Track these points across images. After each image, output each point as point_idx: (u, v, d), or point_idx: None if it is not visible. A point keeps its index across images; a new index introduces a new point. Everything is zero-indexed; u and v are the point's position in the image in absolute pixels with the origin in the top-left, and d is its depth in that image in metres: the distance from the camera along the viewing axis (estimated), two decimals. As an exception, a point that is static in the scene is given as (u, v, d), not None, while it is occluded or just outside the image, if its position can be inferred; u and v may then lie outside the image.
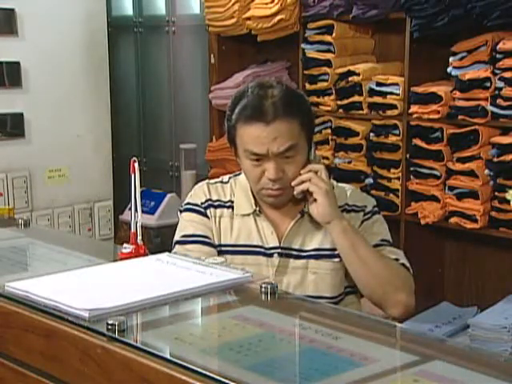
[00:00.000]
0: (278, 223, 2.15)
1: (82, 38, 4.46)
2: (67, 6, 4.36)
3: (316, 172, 2.05)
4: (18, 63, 4.19)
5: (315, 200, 2.04)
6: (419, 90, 3.33)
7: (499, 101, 3.09)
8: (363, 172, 3.58)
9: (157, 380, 1.17)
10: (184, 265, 1.65)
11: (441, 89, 3.27)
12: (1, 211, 2.29)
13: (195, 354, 1.24)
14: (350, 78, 3.57)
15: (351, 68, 3.57)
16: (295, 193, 2.06)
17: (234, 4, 3.84)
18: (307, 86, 3.72)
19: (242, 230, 2.14)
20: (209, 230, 2.15)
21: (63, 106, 4.39)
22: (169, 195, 4.37)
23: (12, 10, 4.16)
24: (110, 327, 1.28)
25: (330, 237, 2.09)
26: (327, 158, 3.64)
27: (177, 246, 2.15)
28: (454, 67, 3.23)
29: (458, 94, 3.21)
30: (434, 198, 3.33)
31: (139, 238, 1.77)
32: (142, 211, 1.88)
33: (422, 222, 3.35)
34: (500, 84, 3.09)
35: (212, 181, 2.24)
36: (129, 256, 1.74)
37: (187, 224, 2.17)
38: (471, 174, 3.20)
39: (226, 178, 2.24)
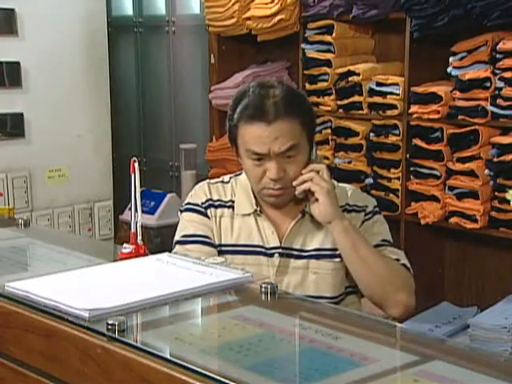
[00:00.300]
0: (278, 223, 2.15)
1: (82, 38, 4.46)
2: (67, 6, 4.36)
3: (318, 172, 2.05)
4: (18, 63, 4.19)
5: (317, 200, 2.04)
6: (419, 90, 3.33)
7: (499, 101, 3.09)
8: (363, 172, 3.58)
9: (157, 380, 1.17)
10: (184, 265, 1.65)
11: (441, 89, 3.27)
12: (1, 211, 2.29)
13: (195, 354, 1.24)
14: (349, 78, 3.57)
15: (351, 68, 3.57)
16: (297, 192, 2.06)
17: (233, 4, 3.84)
18: (307, 86, 3.72)
19: (242, 230, 2.14)
20: (209, 230, 2.15)
21: (63, 106, 4.39)
22: (169, 195, 4.37)
23: (12, 10, 4.16)
24: (110, 327, 1.28)
25: (331, 237, 2.09)
26: (327, 158, 3.64)
27: (177, 246, 2.15)
28: (454, 67, 3.23)
29: (457, 94, 3.21)
30: (434, 198, 3.33)
31: (139, 237, 1.77)
32: (142, 211, 1.88)
33: (422, 221, 3.35)
34: (500, 84, 3.09)
35: (213, 181, 2.24)
36: (129, 256, 1.74)
37: (188, 224, 2.17)
38: (471, 173, 3.20)
39: (226, 177, 2.24)
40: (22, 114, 4.24)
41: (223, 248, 2.14)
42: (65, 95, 4.40)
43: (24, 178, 4.28)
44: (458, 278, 3.64)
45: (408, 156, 3.40)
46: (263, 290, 1.48)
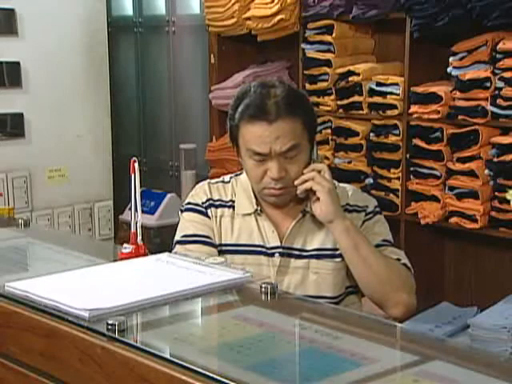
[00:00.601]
0: (279, 223, 2.15)
1: (82, 38, 4.46)
2: (67, 6, 4.36)
3: (319, 171, 2.05)
4: (18, 63, 4.19)
5: (318, 199, 2.04)
6: (419, 89, 3.33)
7: (499, 101, 3.09)
8: (363, 172, 3.58)
9: (157, 380, 1.17)
10: (184, 265, 1.65)
11: (441, 89, 3.27)
12: (1, 211, 2.29)
13: (195, 354, 1.24)
14: (350, 78, 3.57)
15: (351, 68, 3.57)
16: (298, 192, 2.06)
17: (233, 4, 3.84)
18: (307, 86, 3.71)
19: (242, 230, 2.14)
20: (210, 230, 2.15)
21: (63, 106, 4.39)
22: (169, 195, 4.37)
23: (12, 10, 4.16)
24: (110, 327, 1.28)
25: (332, 236, 2.09)
26: (327, 158, 3.64)
27: (177, 246, 2.15)
28: (454, 67, 3.23)
29: (458, 94, 3.21)
30: (434, 198, 3.33)
31: (139, 238, 1.77)
32: (142, 211, 1.88)
33: (422, 222, 3.35)
34: (500, 84, 3.09)
35: (213, 180, 2.24)
36: (129, 256, 1.74)
37: (188, 224, 2.17)
38: (471, 174, 3.20)
39: (227, 177, 2.24)
40: (21, 114, 4.24)
41: (223, 248, 2.14)
42: (65, 95, 4.40)
43: (24, 178, 4.28)
44: (458, 278, 3.64)
45: (408, 156, 3.40)
46: (263, 289, 1.48)
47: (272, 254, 2.12)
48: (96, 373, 1.27)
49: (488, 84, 3.12)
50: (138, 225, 1.78)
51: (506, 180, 3.11)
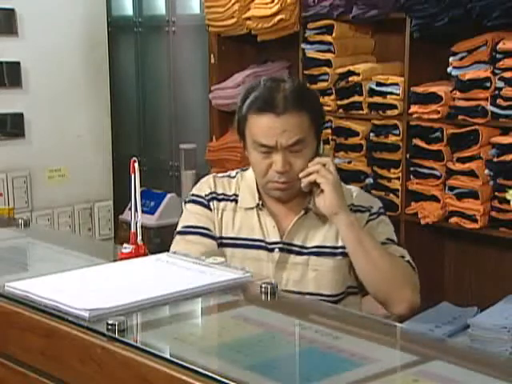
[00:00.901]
0: (281, 218, 2.15)
1: (82, 38, 4.45)
2: (67, 6, 4.36)
3: (324, 164, 2.06)
4: (18, 63, 4.19)
5: (322, 192, 2.04)
6: (419, 89, 3.33)
7: (499, 101, 3.09)
8: (363, 172, 3.58)
9: (157, 380, 1.17)
10: (184, 265, 1.65)
11: (441, 89, 3.27)
12: (1, 211, 2.29)
13: (195, 354, 1.24)
14: (350, 78, 3.57)
15: (351, 68, 3.57)
16: (302, 185, 2.07)
17: (233, 4, 3.84)
18: (307, 86, 3.71)
19: (244, 224, 2.16)
20: (211, 223, 2.16)
21: (63, 106, 4.39)
22: (169, 195, 4.37)
23: (12, 10, 4.15)
24: (110, 327, 1.28)
25: (336, 229, 2.09)
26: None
27: (177, 236, 2.17)
28: (454, 67, 3.23)
29: (458, 94, 3.21)
30: (434, 198, 3.33)
31: (139, 238, 1.77)
32: (142, 211, 1.88)
33: (422, 222, 3.35)
34: (500, 84, 3.09)
35: (219, 174, 2.26)
36: (129, 256, 1.74)
37: (190, 215, 2.19)
38: (471, 174, 3.20)
39: (233, 172, 2.26)
40: (22, 114, 4.24)
41: (224, 241, 2.15)
42: (65, 95, 4.39)
43: (24, 178, 4.27)
44: (458, 277, 3.64)
45: (408, 156, 3.40)
46: (263, 289, 1.48)
47: (272, 249, 2.13)
48: (96, 373, 1.27)
49: (488, 84, 3.12)
50: (138, 225, 1.78)
51: (506, 180, 3.11)
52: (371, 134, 3.52)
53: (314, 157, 2.09)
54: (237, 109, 2.13)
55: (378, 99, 3.48)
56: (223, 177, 2.23)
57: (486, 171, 3.16)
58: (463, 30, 3.21)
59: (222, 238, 2.16)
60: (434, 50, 3.39)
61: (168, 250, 1.85)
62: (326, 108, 3.65)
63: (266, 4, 3.72)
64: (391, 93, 3.44)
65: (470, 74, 3.16)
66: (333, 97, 3.64)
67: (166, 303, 1.43)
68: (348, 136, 3.61)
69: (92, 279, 1.58)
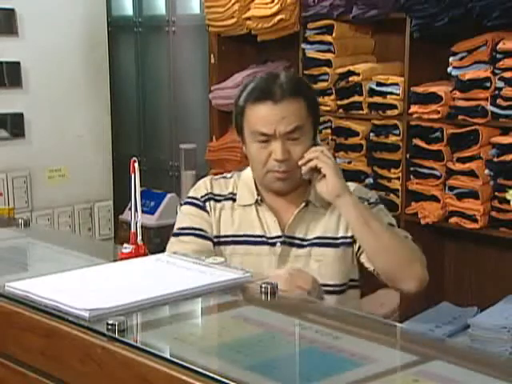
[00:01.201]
0: (281, 212, 2.17)
1: (82, 37, 4.46)
2: (67, 6, 4.36)
3: (321, 151, 2.09)
4: (18, 63, 4.19)
5: (324, 176, 2.06)
6: (419, 89, 3.33)
7: (499, 101, 3.09)
8: (363, 172, 3.58)
9: (157, 380, 1.17)
10: (184, 265, 1.65)
11: (441, 89, 3.27)
12: (1, 211, 2.29)
13: (195, 354, 1.24)
14: (350, 78, 3.57)
15: (351, 68, 3.57)
16: (303, 172, 2.09)
17: (233, 4, 3.84)
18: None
19: (243, 221, 2.17)
20: (206, 224, 2.17)
21: (63, 106, 4.39)
22: (169, 195, 4.37)
23: (12, 10, 4.16)
24: (109, 327, 1.28)
25: (336, 220, 2.12)
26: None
27: (172, 238, 2.19)
28: (454, 67, 3.23)
29: (458, 94, 3.21)
30: (434, 198, 3.33)
31: (139, 238, 1.77)
32: (142, 211, 1.88)
33: (422, 222, 3.35)
34: (500, 84, 3.09)
35: (216, 176, 2.29)
36: (129, 256, 1.74)
37: (185, 217, 2.21)
38: (471, 173, 3.20)
39: (229, 174, 2.29)
40: (22, 114, 4.24)
41: (223, 239, 2.17)
42: (65, 95, 4.40)
43: (24, 178, 4.27)
44: (458, 277, 3.64)
45: (408, 156, 3.40)
46: (263, 289, 1.48)
47: (273, 244, 2.14)
48: (96, 373, 1.27)
49: (488, 84, 3.12)
50: (138, 225, 1.78)
51: (506, 180, 3.11)
52: (371, 134, 3.52)
53: (311, 146, 2.11)
54: (234, 104, 2.16)
55: (378, 99, 3.48)
56: (219, 178, 2.26)
57: (486, 171, 3.16)
58: (463, 30, 3.21)
59: (220, 236, 2.17)
60: (434, 49, 3.39)
61: (168, 250, 1.85)
62: (325, 108, 3.66)
63: (266, 4, 3.72)
64: (391, 93, 3.44)
65: (469, 74, 3.16)
66: (333, 97, 3.64)
67: (166, 303, 1.43)
68: (348, 136, 3.61)
69: (92, 279, 1.57)
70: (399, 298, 2.74)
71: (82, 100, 4.48)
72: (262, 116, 2.06)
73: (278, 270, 2.04)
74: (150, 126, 4.93)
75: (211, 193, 2.20)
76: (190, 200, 2.22)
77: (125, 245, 1.77)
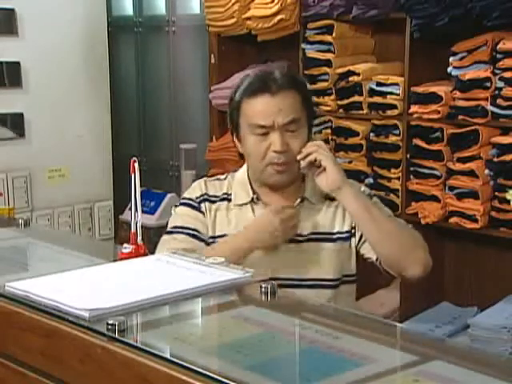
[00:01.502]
0: None
1: (82, 37, 4.46)
2: (67, 6, 4.36)
3: (319, 145, 2.12)
4: (18, 63, 4.19)
5: (324, 170, 2.08)
6: (419, 90, 3.33)
7: (499, 101, 3.09)
8: (363, 172, 3.58)
9: (157, 380, 1.17)
10: (184, 265, 1.65)
11: (441, 89, 3.27)
12: (1, 211, 2.29)
13: (195, 354, 1.24)
14: (350, 78, 3.57)
15: (351, 68, 3.57)
16: (302, 166, 2.11)
17: (233, 4, 3.84)
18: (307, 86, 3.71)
19: (240, 220, 2.19)
20: (200, 224, 2.19)
21: (63, 106, 4.39)
22: (169, 195, 4.37)
23: (12, 10, 4.16)
24: (109, 327, 1.28)
25: (331, 216, 2.16)
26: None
27: (165, 236, 2.20)
28: (454, 67, 3.23)
29: (458, 94, 3.21)
30: (434, 198, 3.33)
31: (139, 237, 1.77)
32: (142, 211, 1.88)
33: (422, 221, 3.35)
34: (500, 84, 3.09)
35: (210, 178, 2.32)
36: (129, 256, 1.74)
37: (179, 217, 2.23)
38: (471, 174, 3.20)
39: (223, 175, 2.31)
40: (22, 114, 4.24)
41: (219, 239, 2.18)
42: (65, 95, 4.40)
43: (24, 178, 4.27)
44: (458, 277, 3.64)
45: (408, 156, 3.40)
46: (263, 289, 1.48)
47: None
48: (96, 373, 1.27)
49: (488, 84, 3.12)
50: (138, 225, 1.78)
51: (506, 180, 3.11)
52: (371, 134, 3.52)
53: (307, 141, 2.14)
54: (229, 101, 2.18)
55: (378, 99, 3.48)
56: (213, 180, 2.29)
57: (486, 171, 3.16)
58: (463, 30, 3.21)
59: (216, 237, 2.18)
60: (434, 49, 3.39)
61: (168, 250, 1.85)
62: (325, 108, 3.66)
63: (266, 4, 3.71)
64: (391, 93, 3.43)
65: (470, 74, 3.16)
66: (333, 97, 3.63)
67: (166, 303, 1.43)
68: (348, 136, 3.61)
69: (92, 279, 1.57)
70: (399, 298, 2.75)
71: (82, 100, 4.49)
72: (260, 108, 2.09)
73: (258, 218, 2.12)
74: (149, 126, 4.93)
75: (206, 194, 2.22)
76: (185, 201, 2.24)
77: (125, 245, 1.77)
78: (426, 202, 3.36)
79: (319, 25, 3.65)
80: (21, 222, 2.12)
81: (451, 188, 3.27)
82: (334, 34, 3.61)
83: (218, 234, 2.18)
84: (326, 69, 3.64)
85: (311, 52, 3.69)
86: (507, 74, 3.07)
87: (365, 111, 3.54)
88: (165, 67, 4.74)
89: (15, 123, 4.22)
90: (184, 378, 1.13)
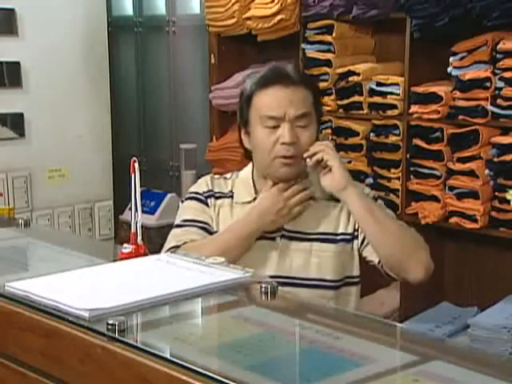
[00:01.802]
0: None
1: (82, 38, 4.46)
2: (67, 6, 4.36)
3: (326, 145, 2.14)
4: (18, 63, 4.19)
5: (330, 170, 2.09)
6: (419, 90, 3.33)
7: (499, 101, 3.09)
8: (363, 172, 3.58)
9: (157, 380, 1.17)
10: (184, 265, 1.65)
11: (441, 89, 3.27)
12: (1, 211, 2.29)
13: (195, 354, 1.24)
14: (350, 78, 3.57)
15: (351, 68, 3.57)
16: (308, 165, 2.10)
17: (234, 4, 3.84)
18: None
19: None
20: (209, 218, 2.21)
21: (63, 106, 4.39)
22: (169, 195, 4.37)
23: (12, 10, 4.16)
24: (109, 327, 1.28)
25: (336, 216, 2.16)
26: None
27: (175, 229, 2.20)
28: (454, 67, 3.23)
29: (458, 93, 3.21)
30: (434, 198, 3.33)
31: (139, 237, 1.77)
32: (142, 211, 1.88)
33: (422, 221, 3.35)
34: (500, 84, 3.09)
35: (216, 176, 2.33)
36: (129, 256, 1.74)
37: (188, 211, 2.23)
38: (471, 173, 3.20)
39: (228, 174, 2.32)
40: (22, 114, 4.24)
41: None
42: (65, 95, 4.40)
43: (24, 178, 4.28)
44: (458, 278, 3.64)
45: (408, 156, 3.40)
46: (263, 289, 1.48)
47: (273, 238, 2.17)
48: (96, 373, 1.27)
49: (488, 84, 3.12)
50: (138, 225, 1.78)
51: (506, 180, 3.11)
52: (371, 134, 3.52)
53: (315, 139, 2.15)
54: (240, 95, 2.19)
55: (378, 99, 3.48)
56: (219, 178, 2.30)
57: (486, 171, 3.16)
58: (463, 30, 3.21)
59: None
60: (434, 49, 3.39)
61: (168, 250, 1.85)
62: (326, 108, 3.65)
63: (266, 4, 3.71)
64: (391, 93, 3.44)
65: (470, 74, 3.16)
66: (333, 97, 3.63)
67: (166, 303, 1.43)
68: (348, 136, 3.61)
69: (92, 279, 1.57)
70: (399, 298, 2.75)
71: (82, 100, 4.49)
72: (272, 99, 2.10)
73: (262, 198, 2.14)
74: (149, 126, 4.94)
75: (212, 190, 2.24)
76: (192, 195, 2.25)
77: (125, 245, 1.77)
78: (426, 201, 3.36)
79: (319, 25, 3.65)
80: (21, 222, 2.12)
81: (451, 188, 3.27)
82: (334, 34, 3.61)
83: (220, 230, 2.19)
84: (326, 69, 3.64)
85: (311, 52, 3.69)
86: (507, 74, 3.07)
87: (365, 111, 3.54)
88: (165, 67, 4.74)
89: (15, 123, 4.22)
90: (184, 377, 1.13)
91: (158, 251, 1.77)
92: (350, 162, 3.62)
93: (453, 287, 3.66)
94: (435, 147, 3.30)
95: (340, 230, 2.17)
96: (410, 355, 1.25)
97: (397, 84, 3.42)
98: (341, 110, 3.63)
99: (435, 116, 3.27)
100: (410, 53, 3.36)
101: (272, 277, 2.07)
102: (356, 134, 3.57)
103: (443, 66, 3.27)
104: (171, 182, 4.73)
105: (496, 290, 3.39)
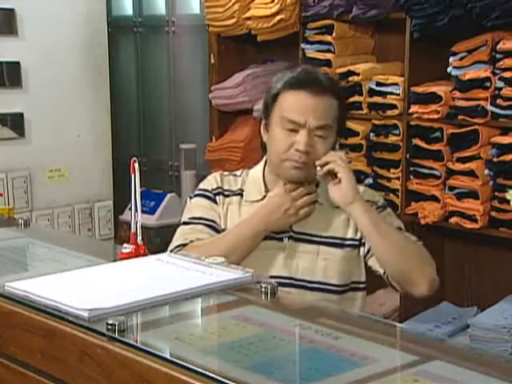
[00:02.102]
0: None
1: (82, 38, 4.46)
2: (67, 6, 4.36)
3: (339, 157, 2.12)
4: (18, 63, 4.19)
5: (339, 182, 2.08)
6: (419, 89, 3.33)
7: (499, 101, 3.09)
8: (363, 172, 3.58)
9: (157, 380, 1.17)
10: (184, 265, 1.64)
11: (441, 89, 3.27)
12: (1, 211, 2.29)
13: (195, 354, 1.24)
14: (350, 78, 3.57)
15: (351, 68, 3.57)
16: (320, 173, 2.09)
17: (234, 4, 3.84)
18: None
19: None
20: (217, 216, 2.20)
21: (63, 106, 4.39)
22: (169, 195, 4.37)
23: (12, 10, 4.16)
24: (109, 327, 1.28)
25: (345, 221, 2.14)
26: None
27: (182, 226, 2.20)
28: (454, 67, 3.23)
29: (458, 94, 3.21)
30: (434, 198, 3.33)
31: (139, 237, 1.77)
32: (142, 211, 1.88)
33: (422, 221, 3.35)
34: (500, 84, 3.09)
35: (226, 172, 2.31)
36: (129, 256, 1.74)
37: (196, 208, 2.23)
38: (471, 174, 3.20)
39: (238, 172, 2.31)
40: (22, 114, 4.24)
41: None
42: (65, 95, 4.40)
43: (24, 178, 4.28)
44: (458, 278, 3.64)
45: (408, 156, 3.40)
46: (263, 289, 1.48)
47: (281, 239, 2.16)
48: (96, 373, 1.27)
49: (488, 84, 3.12)
50: (138, 225, 1.78)
51: (506, 180, 3.11)
52: (371, 134, 3.52)
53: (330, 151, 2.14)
54: (267, 90, 2.18)
55: (377, 99, 3.48)
56: (229, 175, 2.28)
57: (486, 171, 3.16)
58: (463, 30, 3.21)
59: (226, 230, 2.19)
60: (434, 49, 3.39)
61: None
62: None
63: (266, 4, 3.72)
64: (391, 93, 3.44)
65: (470, 74, 3.16)
66: (333, 97, 3.63)
67: (166, 303, 1.43)
68: (348, 136, 3.60)
69: (92, 279, 1.57)
70: (399, 298, 2.75)
71: (82, 100, 4.49)
72: (297, 103, 2.08)
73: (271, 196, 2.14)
74: (149, 126, 4.93)
75: (221, 187, 2.23)
76: (201, 192, 2.24)
77: (125, 245, 1.77)
78: (426, 201, 3.36)
79: (319, 25, 3.65)
80: (21, 222, 2.12)
81: (451, 188, 3.27)
82: (333, 34, 3.61)
83: (228, 227, 2.19)
84: (326, 69, 3.63)
85: (311, 52, 3.69)
86: (507, 74, 3.07)
87: (365, 111, 3.54)
88: (165, 67, 4.74)
89: (15, 123, 4.22)
90: (184, 377, 1.13)
91: (158, 251, 1.76)
92: (350, 162, 3.61)
93: (453, 287, 3.65)
94: (435, 147, 3.30)
95: (349, 236, 2.16)
96: (409, 355, 1.25)
97: (397, 84, 3.42)
98: (341, 110, 3.63)
99: (435, 116, 3.27)
100: (410, 53, 3.36)
101: (277, 277, 2.07)
102: (356, 133, 3.57)
103: (443, 66, 3.27)
104: (171, 182, 4.73)
105: (496, 290, 3.39)
